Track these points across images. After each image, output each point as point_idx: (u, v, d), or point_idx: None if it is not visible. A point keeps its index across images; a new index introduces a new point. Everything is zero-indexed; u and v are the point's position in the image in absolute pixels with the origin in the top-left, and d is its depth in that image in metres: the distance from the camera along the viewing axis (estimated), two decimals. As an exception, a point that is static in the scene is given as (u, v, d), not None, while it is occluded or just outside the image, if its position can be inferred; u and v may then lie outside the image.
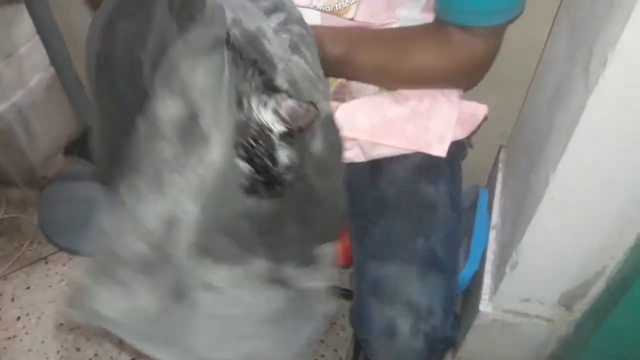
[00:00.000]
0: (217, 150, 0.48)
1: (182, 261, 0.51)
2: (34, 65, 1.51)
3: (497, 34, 0.71)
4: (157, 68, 0.49)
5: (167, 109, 0.48)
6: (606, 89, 0.58)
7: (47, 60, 1.46)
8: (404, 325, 0.68)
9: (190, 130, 0.48)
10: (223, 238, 0.52)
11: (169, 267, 0.51)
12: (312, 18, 0.71)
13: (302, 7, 0.67)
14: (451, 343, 0.73)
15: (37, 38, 1.40)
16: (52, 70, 1.49)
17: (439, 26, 0.70)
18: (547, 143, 0.76)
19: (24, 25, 1.42)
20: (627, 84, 0.58)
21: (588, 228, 0.76)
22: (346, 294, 1.18)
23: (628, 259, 0.78)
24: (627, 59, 0.56)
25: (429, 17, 0.73)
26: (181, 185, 0.49)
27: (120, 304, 0.51)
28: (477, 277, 1.02)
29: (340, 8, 0.70)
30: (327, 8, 0.70)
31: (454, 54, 0.71)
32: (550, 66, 0.82)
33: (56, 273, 1.37)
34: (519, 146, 1.00)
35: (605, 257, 0.80)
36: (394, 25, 0.73)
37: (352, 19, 0.71)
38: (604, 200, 0.72)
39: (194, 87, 0.48)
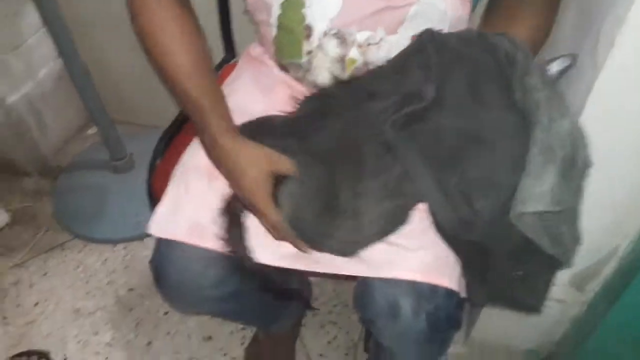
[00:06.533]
0: None
1: None
2: (42, 56, 1.52)
3: None
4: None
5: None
6: (614, 70, 0.58)
7: (55, 51, 1.47)
8: (406, 304, 0.69)
9: None
10: None
11: None
12: None
13: None
14: (455, 323, 0.73)
15: (45, 29, 1.41)
16: (61, 61, 1.50)
17: None
18: (556, 124, 0.75)
19: (31, 16, 1.43)
20: (635, 65, 0.57)
21: (599, 208, 0.75)
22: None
23: (640, 239, 0.78)
24: (635, 39, 0.55)
25: (450, 3, 0.73)
26: None
27: None
28: (488, 259, 1.02)
29: None
30: None
31: (550, 14, 0.76)
32: (558, 48, 0.81)
33: (72, 259, 1.40)
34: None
35: (618, 237, 0.79)
36: (413, 7, 0.72)
37: None
38: (615, 180, 0.71)
39: None
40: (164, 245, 0.76)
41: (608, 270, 0.84)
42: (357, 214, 0.67)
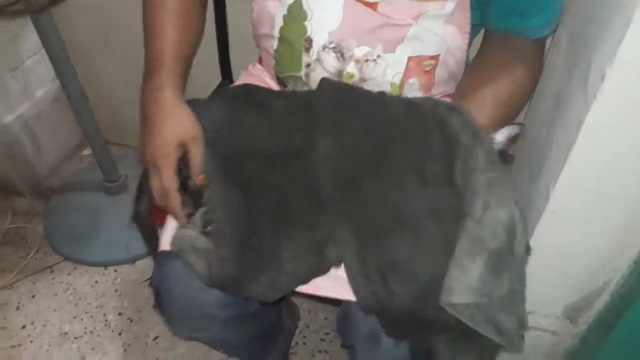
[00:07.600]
0: None
1: None
2: (40, 77, 1.52)
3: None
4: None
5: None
6: (605, 104, 0.58)
7: (53, 72, 1.48)
8: None
9: None
10: None
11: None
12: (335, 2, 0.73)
13: None
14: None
15: (43, 51, 1.42)
16: (58, 82, 1.50)
17: (507, 44, 0.75)
18: (547, 157, 0.75)
19: (31, 38, 1.44)
20: (625, 99, 0.58)
21: (590, 242, 0.76)
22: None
23: (632, 272, 0.78)
24: (625, 73, 0.55)
25: (449, 31, 0.74)
26: None
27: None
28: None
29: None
30: None
31: (536, 66, 0.79)
32: (549, 80, 0.82)
33: (61, 282, 1.38)
34: (520, 159, 0.99)
35: (609, 270, 0.79)
36: (412, 28, 0.72)
37: (375, 9, 0.72)
38: (606, 214, 0.71)
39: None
40: (163, 262, 0.73)
41: (600, 303, 0.84)
42: (277, 258, 0.65)
